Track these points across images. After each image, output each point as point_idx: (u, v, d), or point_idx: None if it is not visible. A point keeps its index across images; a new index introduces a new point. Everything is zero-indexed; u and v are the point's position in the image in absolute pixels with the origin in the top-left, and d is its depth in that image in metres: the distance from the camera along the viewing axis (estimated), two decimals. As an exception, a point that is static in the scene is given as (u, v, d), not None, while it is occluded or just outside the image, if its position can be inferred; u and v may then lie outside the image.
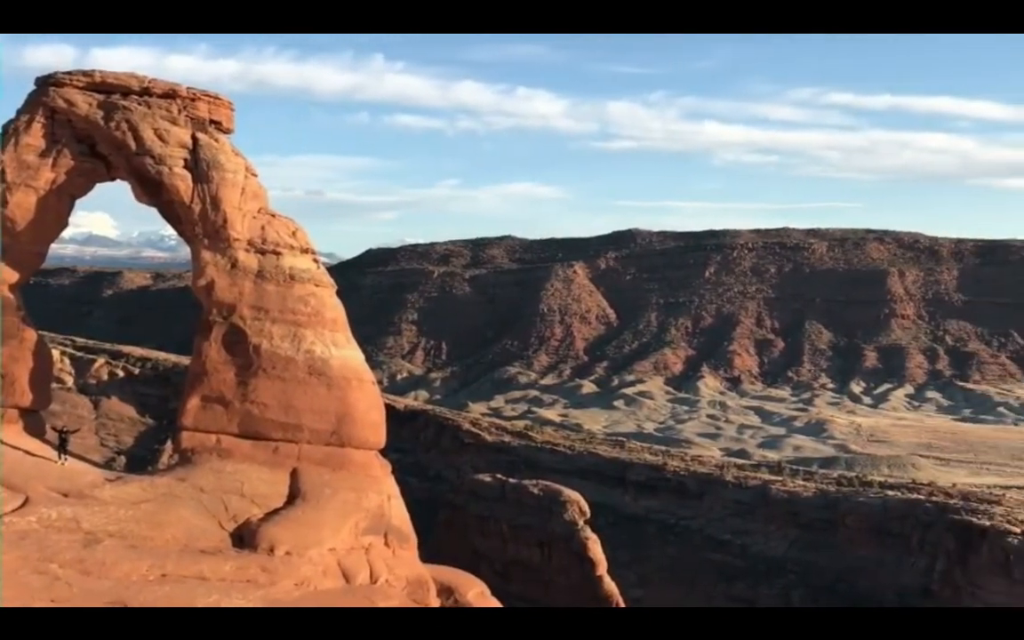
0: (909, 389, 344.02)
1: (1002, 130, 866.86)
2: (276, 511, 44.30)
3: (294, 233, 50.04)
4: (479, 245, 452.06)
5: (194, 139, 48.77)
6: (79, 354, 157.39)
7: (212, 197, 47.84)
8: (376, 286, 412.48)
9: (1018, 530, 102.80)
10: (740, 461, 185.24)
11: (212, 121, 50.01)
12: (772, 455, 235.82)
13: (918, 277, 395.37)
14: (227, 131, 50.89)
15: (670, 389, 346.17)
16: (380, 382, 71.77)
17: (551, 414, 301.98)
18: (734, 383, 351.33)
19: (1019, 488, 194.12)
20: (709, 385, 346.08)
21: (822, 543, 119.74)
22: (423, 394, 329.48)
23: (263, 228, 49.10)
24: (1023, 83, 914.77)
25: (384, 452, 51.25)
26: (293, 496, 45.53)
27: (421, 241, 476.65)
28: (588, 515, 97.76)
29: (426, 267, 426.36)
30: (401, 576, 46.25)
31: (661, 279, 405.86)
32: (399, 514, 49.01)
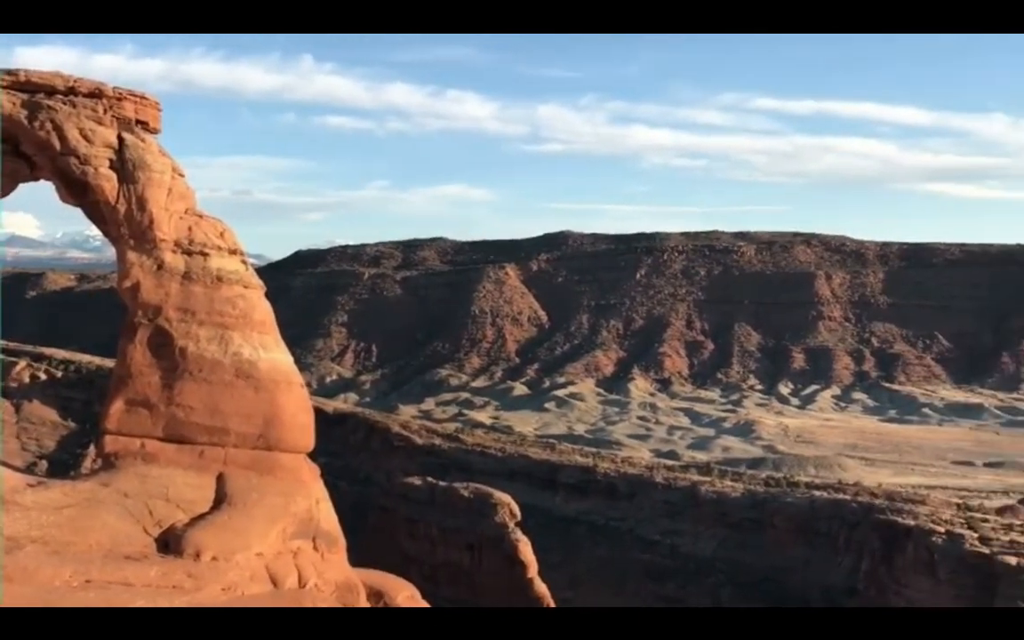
0: (836, 390, 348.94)
1: (923, 136, 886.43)
2: (202, 516, 43.70)
3: (222, 234, 49.45)
4: (410, 247, 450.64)
5: (120, 139, 47.98)
6: (0, 356, 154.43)
7: (138, 198, 47.10)
8: (305, 288, 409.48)
9: (942, 530, 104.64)
10: (670, 462, 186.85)
11: (139, 121, 49.23)
12: (701, 456, 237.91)
13: (844, 280, 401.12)
14: (154, 131, 50.17)
15: (601, 391, 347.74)
16: (309, 385, 71.15)
17: (482, 416, 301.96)
18: (664, 385, 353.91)
19: (943, 488, 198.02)
20: (639, 387, 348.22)
21: (750, 543, 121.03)
22: (353, 397, 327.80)
23: (190, 229, 48.46)
24: (943, 89, 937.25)
25: (313, 455, 50.84)
26: (219, 500, 44.96)
27: (351, 242, 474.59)
28: (519, 517, 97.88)
29: (356, 269, 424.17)
30: (330, 580, 45.88)
31: (592, 281, 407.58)
32: (328, 518, 48.61)
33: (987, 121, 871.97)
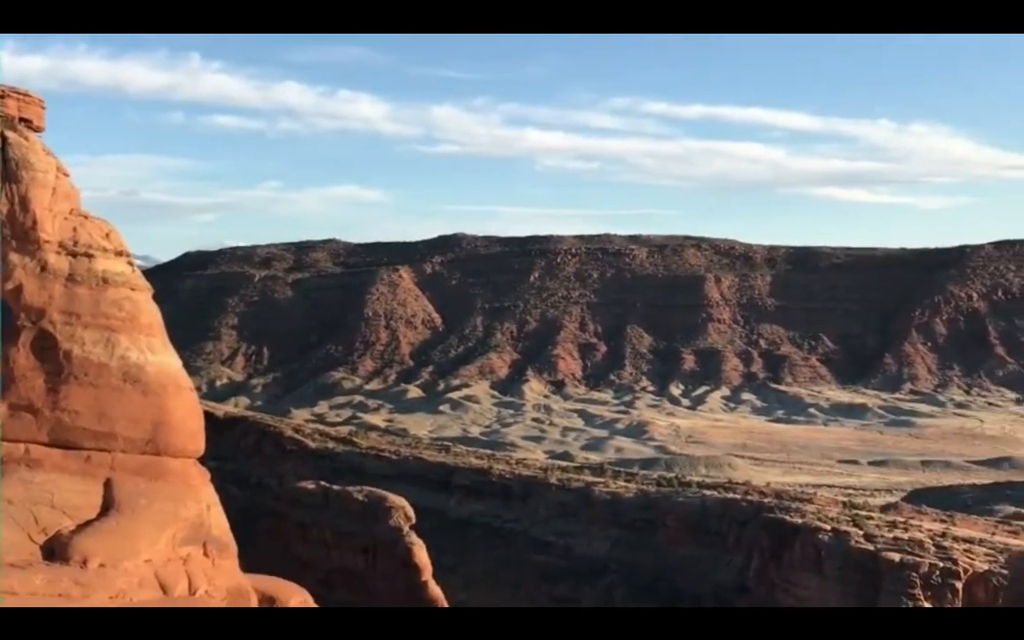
0: (725, 391, 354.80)
1: (811, 141, 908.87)
2: (89, 522, 42.69)
3: (108, 235, 48.38)
4: (302, 248, 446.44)
5: (3, 137, 46.70)
6: None
7: (21, 198, 45.85)
8: (194, 290, 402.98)
9: (828, 527, 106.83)
10: (564, 463, 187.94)
11: (22, 119, 47.97)
12: (595, 457, 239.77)
13: (733, 283, 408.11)
14: (38, 129, 48.92)
15: (495, 393, 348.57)
16: (199, 388, 69.88)
17: (376, 419, 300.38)
18: (558, 387, 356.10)
19: (830, 487, 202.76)
20: (534, 389, 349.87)
21: (643, 543, 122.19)
22: (244, 400, 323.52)
23: (75, 230, 47.32)
24: (831, 95, 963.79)
25: (203, 460, 49.99)
26: (107, 507, 43.97)
27: (242, 244, 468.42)
28: (413, 520, 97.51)
29: (247, 270, 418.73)
30: (221, 586, 45.17)
31: (486, 284, 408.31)
32: (218, 523, 47.84)
33: (874, 127, 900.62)
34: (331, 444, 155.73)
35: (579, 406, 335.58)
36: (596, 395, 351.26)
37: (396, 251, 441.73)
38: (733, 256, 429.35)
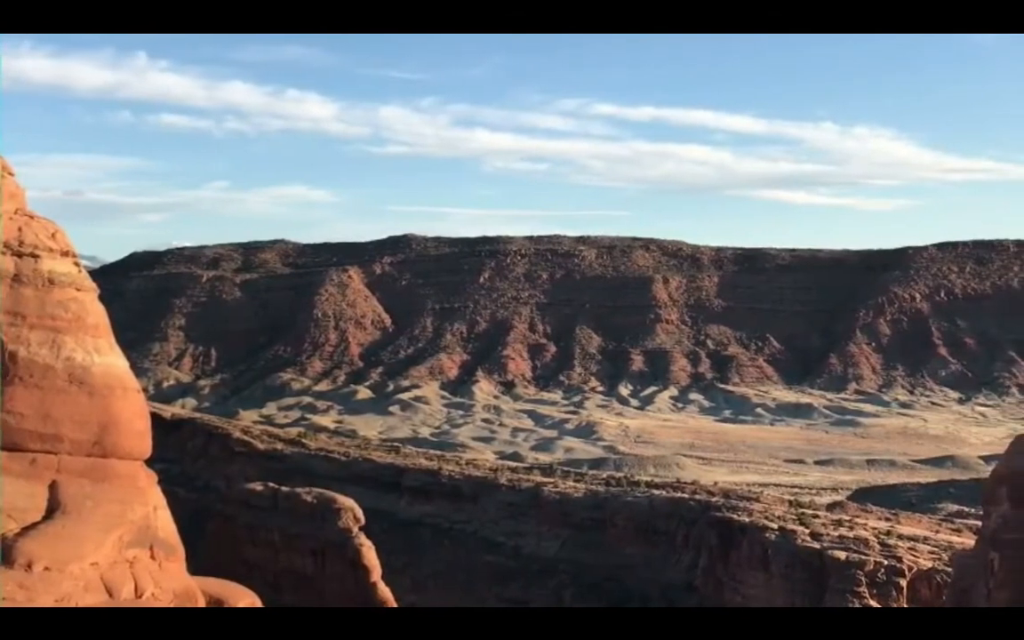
0: (674, 391, 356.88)
1: (756, 143, 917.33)
2: (34, 525, 42.19)
3: (54, 235, 47.83)
4: (250, 249, 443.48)
5: (-57, 134, 46.03)
6: None
7: (-37, 196, 45.18)
8: (142, 290, 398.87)
9: (775, 526, 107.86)
10: (513, 464, 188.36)
11: (-37, 116, 47.33)
12: (544, 457, 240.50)
13: (681, 284, 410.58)
14: (-20, 127, 48.30)
15: (445, 394, 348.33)
16: (146, 390, 69.34)
17: (325, 421, 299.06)
18: (508, 387, 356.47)
19: (776, 486, 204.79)
20: (483, 389, 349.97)
21: (592, 542, 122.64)
22: (191, 402, 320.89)
23: (20, 230, 46.73)
24: (775, 99, 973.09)
25: (150, 462, 49.57)
26: (52, 509, 43.47)
27: (189, 244, 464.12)
28: (363, 522, 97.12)
29: (194, 271, 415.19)
30: (168, 589, 44.81)
31: (436, 284, 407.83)
32: (165, 526, 47.45)
33: (817, 129, 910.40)
34: (280, 446, 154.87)
35: (529, 407, 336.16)
36: (546, 395, 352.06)
37: (345, 252, 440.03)
38: (681, 257, 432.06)
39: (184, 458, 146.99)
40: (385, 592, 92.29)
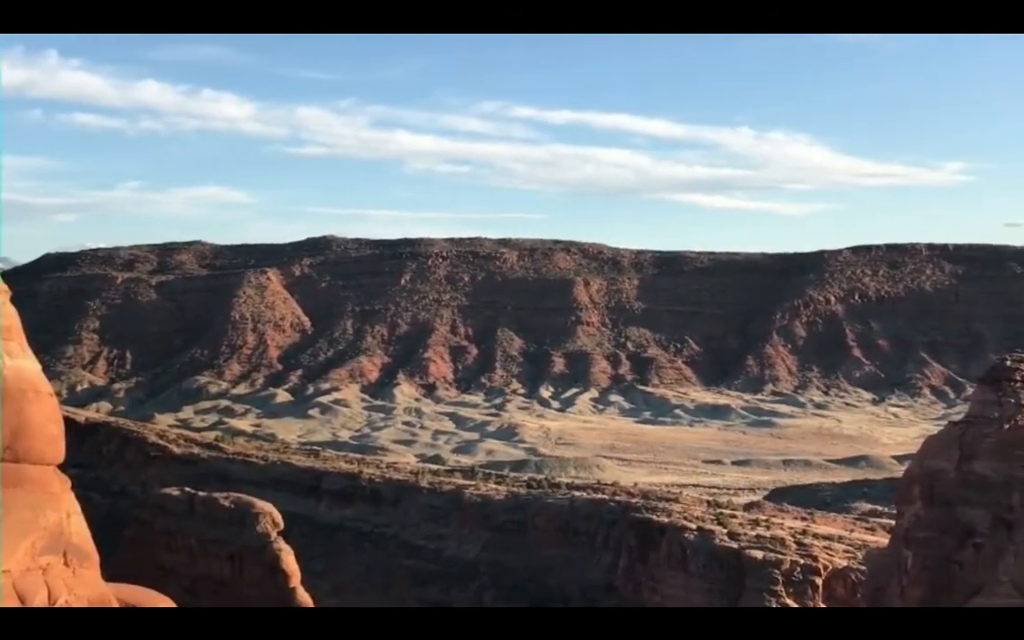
0: (594, 393, 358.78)
1: (675, 147, 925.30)
2: (-59, 533, 41.11)
3: (-38, 235, 46.65)
4: (166, 250, 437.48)
5: None
6: None
7: None
8: (54, 292, 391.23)
9: (694, 526, 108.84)
10: (435, 467, 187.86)
11: None
12: (466, 460, 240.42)
13: (602, 286, 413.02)
14: None
15: (366, 397, 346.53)
16: (59, 393, 68.01)
17: (243, 424, 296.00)
18: (429, 390, 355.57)
19: (695, 486, 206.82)
20: (405, 392, 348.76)
21: (513, 544, 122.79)
22: (106, 405, 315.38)
23: (-74, 229, 45.54)
24: (693, 104, 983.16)
25: (63, 467, 48.58)
26: (-39, 517, 42.39)
27: (103, 245, 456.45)
28: (281, 526, 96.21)
29: (109, 273, 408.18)
30: (82, 596, 43.95)
31: (356, 287, 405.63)
32: (79, 532, 46.53)
33: (734, 134, 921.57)
34: (196, 450, 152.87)
35: (450, 409, 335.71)
36: (467, 398, 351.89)
37: (263, 253, 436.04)
38: (601, 260, 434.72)
39: (99, 463, 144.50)
40: (304, 597, 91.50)
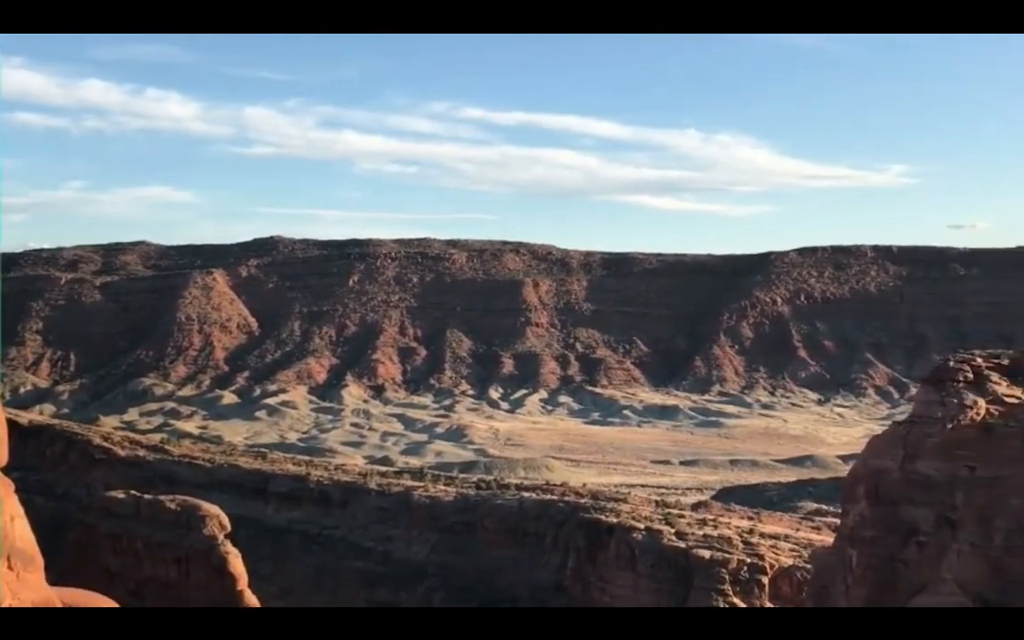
0: (543, 394, 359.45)
1: (623, 149, 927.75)
2: None
3: (-99, 234, 45.88)
4: (111, 251, 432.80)
5: None
6: None
7: None
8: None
9: (642, 526, 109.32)
10: (383, 468, 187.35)
11: None
12: (415, 461, 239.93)
13: (551, 287, 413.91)
14: None
15: (314, 398, 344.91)
16: (2, 396, 67.16)
17: (189, 426, 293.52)
18: (378, 391, 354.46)
19: (643, 486, 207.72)
20: (353, 394, 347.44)
21: (462, 545, 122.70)
22: (50, 408, 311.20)
23: None
24: (640, 107, 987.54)
25: (7, 470, 47.93)
26: (-100, 521, 41.70)
27: (46, 245, 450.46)
28: (228, 529, 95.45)
29: (52, 273, 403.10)
30: (26, 600, 43.38)
31: (304, 288, 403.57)
32: (23, 535, 45.93)
33: (682, 136, 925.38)
34: (142, 452, 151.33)
35: (399, 410, 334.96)
36: (416, 399, 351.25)
37: (210, 254, 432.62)
38: (551, 261, 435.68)
39: (43, 466, 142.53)
40: (252, 600, 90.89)
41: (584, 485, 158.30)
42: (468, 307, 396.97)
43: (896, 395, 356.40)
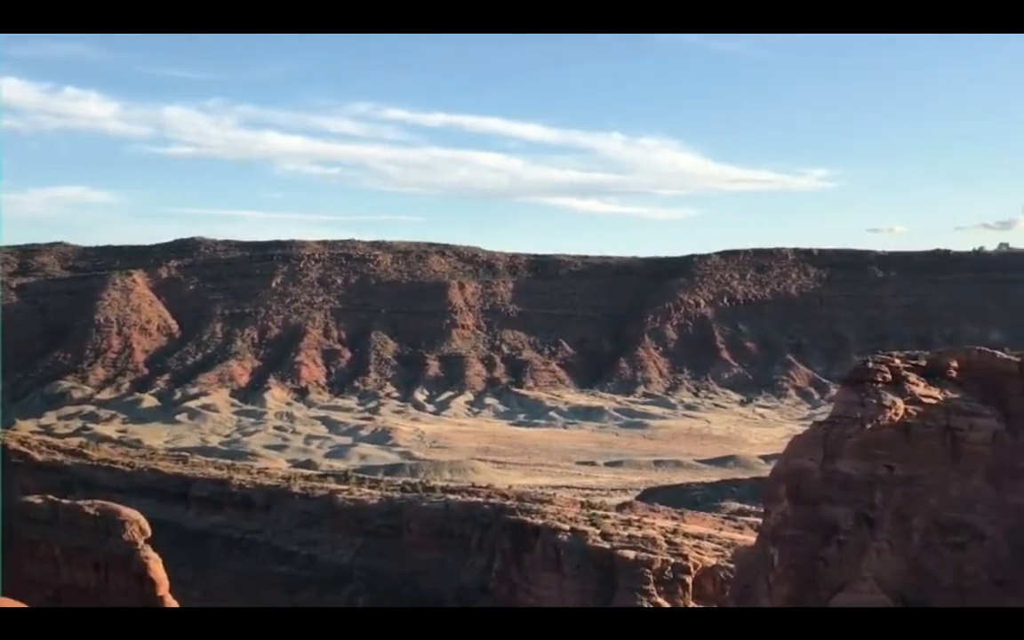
0: (469, 396, 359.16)
1: (547, 152, 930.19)
2: None
3: None
4: (27, 252, 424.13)
5: None
6: None
7: None
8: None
9: (567, 528, 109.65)
10: (307, 472, 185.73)
11: None
12: (339, 464, 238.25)
13: (477, 289, 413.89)
14: None
15: (236, 401, 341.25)
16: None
17: (109, 430, 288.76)
18: (301, 394, 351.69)
19: (569, 487, 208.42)
20: (276, 396, 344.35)
21: (387, 549, 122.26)
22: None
23: None
24: (565, 110, 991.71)
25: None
26: None
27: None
28: (148, 534, 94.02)
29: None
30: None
31: (226, 289, 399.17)
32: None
33: (607, 139, 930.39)
34: (60, 456, 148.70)
35: (323, 413, 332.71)
36: (340, 402, 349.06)
37: (129, 255, 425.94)
38: (476, 263, 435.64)
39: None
40: (172, 605, 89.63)
41: (510, 487, 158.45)
42: (393, 309, 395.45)
43: (816, 396, 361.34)
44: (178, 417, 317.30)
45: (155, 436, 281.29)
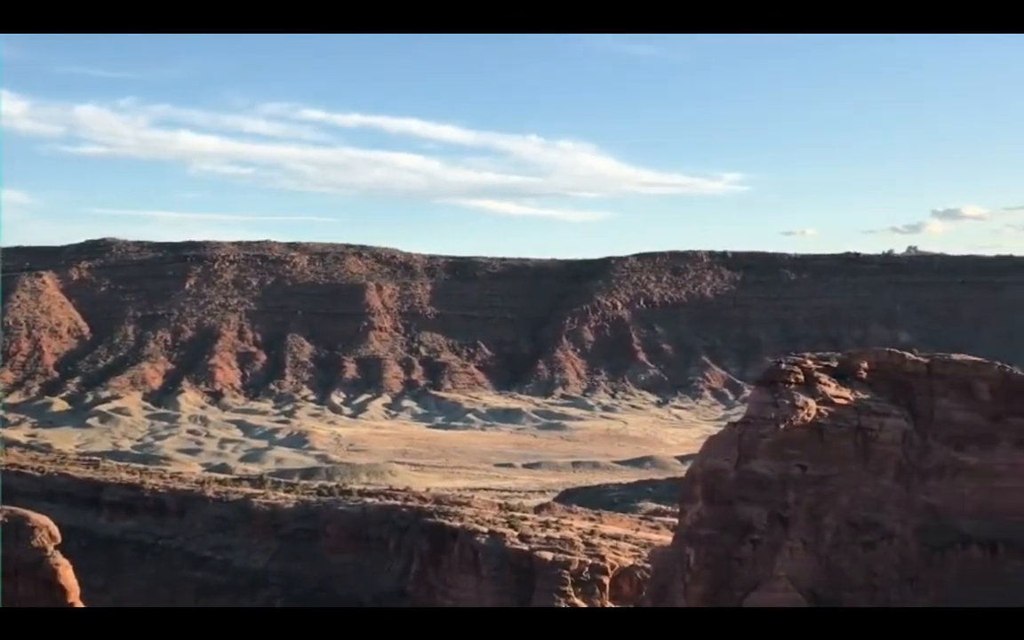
0: (387, 399, 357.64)
1: (465, 153, 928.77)
2: None
3: None
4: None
5: None
6: None
7: None
8: None
9: (485, 530, 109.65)
10: (222, 476, 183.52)
11: None
12: (254, 468, 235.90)
13: (395, 291, 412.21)
14: None
15: (148, 405, 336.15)
16: None
17: (17, 434, 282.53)
18: (216, 397, 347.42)
19: (487, 489, 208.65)
20: (190, 400, 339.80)
21: (304, 553, 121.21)
22: None
23: None
24: (482, 112, 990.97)
25: None
26: None
27: None
28: (59, 540, 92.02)
29: None
30: None
31: (139, 291, 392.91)
32: None
33: (524, 142, 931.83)
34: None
35: (238, 417, 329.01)
36: (255, 405, 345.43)
37: (39, 256, 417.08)
38: (394, 265, 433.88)
39: None
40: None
41: (428, 489, 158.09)
42: (310, 311, 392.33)
43: (731, 397, 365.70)
44: (89, 421, 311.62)
45: (66, 440, 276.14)
